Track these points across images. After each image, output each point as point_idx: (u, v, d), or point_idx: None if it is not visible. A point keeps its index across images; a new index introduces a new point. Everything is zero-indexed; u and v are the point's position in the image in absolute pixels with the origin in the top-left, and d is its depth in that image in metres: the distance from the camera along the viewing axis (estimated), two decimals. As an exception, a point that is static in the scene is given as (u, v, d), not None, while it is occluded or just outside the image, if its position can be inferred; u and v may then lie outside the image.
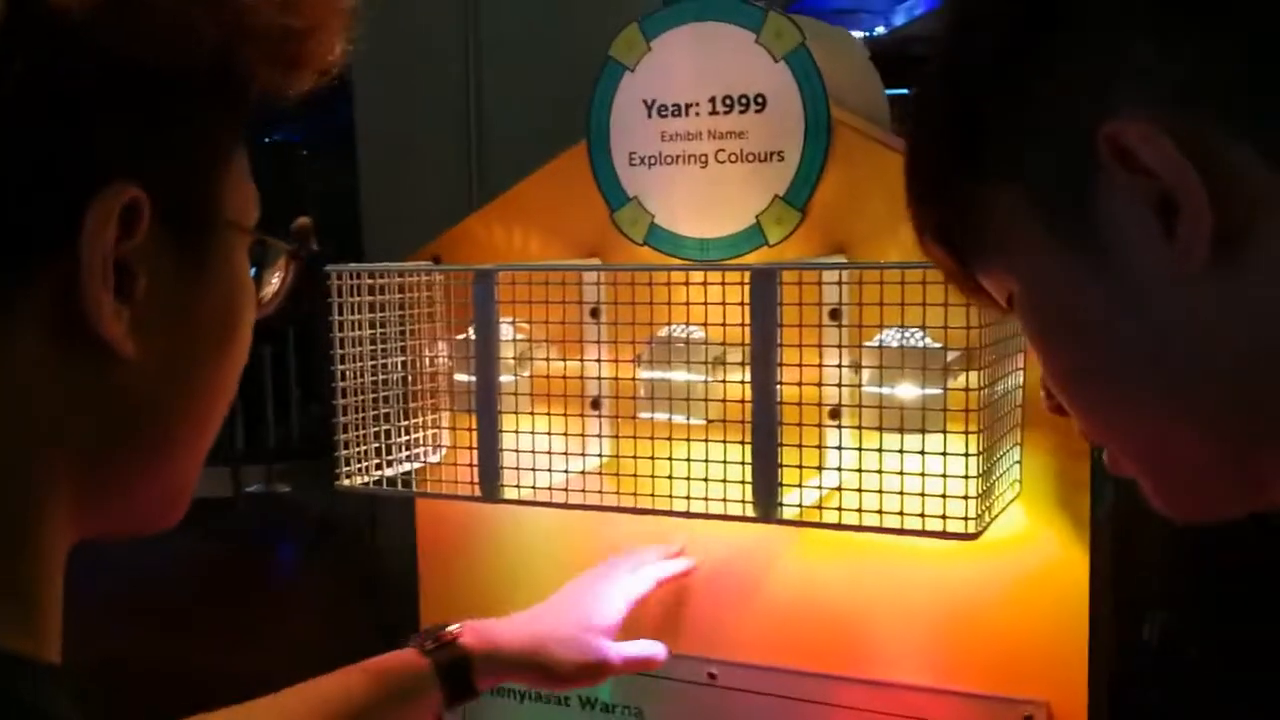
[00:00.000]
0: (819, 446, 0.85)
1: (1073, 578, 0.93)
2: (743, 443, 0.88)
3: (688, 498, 0.89)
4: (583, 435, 0.98)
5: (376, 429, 1.01)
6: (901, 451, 0.83)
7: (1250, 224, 0.43)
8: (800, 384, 0.84)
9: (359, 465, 1.00)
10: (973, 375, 0.82)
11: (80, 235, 0.40)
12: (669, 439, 0.94)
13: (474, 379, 0.96)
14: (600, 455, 1.01)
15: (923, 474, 0.82)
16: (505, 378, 0.98)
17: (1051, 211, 0.48)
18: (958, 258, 0.55)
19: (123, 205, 0.40)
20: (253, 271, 0.49)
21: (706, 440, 0.94)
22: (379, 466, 1.01)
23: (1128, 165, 0.44)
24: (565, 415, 0.97)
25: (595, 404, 1.01)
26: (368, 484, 1.00)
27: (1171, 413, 0.48)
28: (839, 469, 0.87)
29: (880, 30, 4.56)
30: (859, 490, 0.84)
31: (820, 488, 0.88)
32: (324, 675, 0.88)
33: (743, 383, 0.87)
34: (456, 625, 0.94)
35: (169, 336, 0.44)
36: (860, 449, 0.85)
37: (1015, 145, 0.49)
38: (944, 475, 0.80)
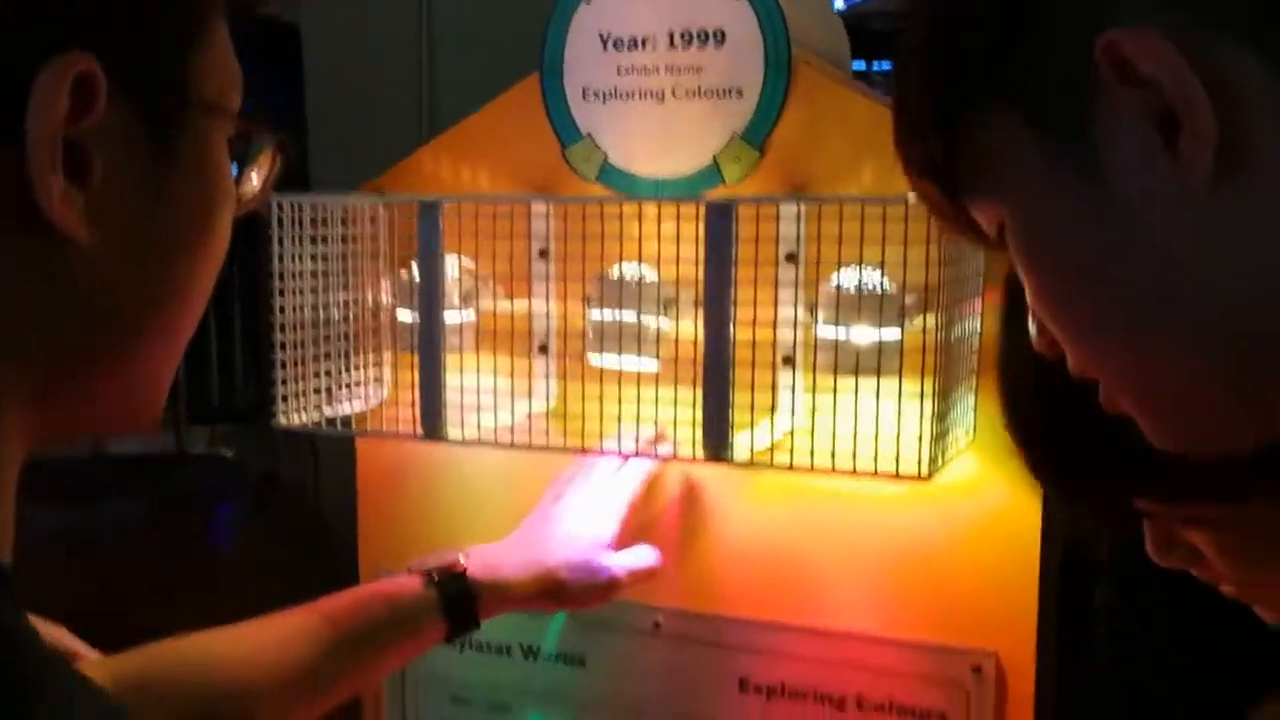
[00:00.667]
0: (772, 387, 0.83)
1: (1024, 527, 0.92)
2: (695, 381, 0.86)
3: (636, 438, 0.87)
4: (530, 378, 0.95)
5: (317, 368, 0.98)
6: (856, 393, 0.81)
7: (1255, 137, 0.41)
8: (754, 322, 0.82)
9: (298, 404, 0.97)
10: (930, 316, 0.80)
11: (26, 110, 0.36)
12: (619, 382, 0.91)
13: (417, 315, 0.93)
14: (548, 398, 0.98)
15: (876, 416, 0.80)
16: (450, 315, 0.94)
17: (1049, 134, 0.46)
18: (947, 190, 0.52)
19: (74, 77, 0.36)
20: (234, 166, 0.45)
21: (657, 384, 0.91)
22: (319, 406, 0.98)
23: (1127, 79, 0.42)
24: (512, 356, 0.94)
25: (543, 348, 0.98)
26: (307, 423, 0.97)
27: (1174, 341, 0.46)
28: (791, 409, 0.85)
29: (839, 5, 4.54)
30: (811, 431, 0.82)
31: (772, 427, 0.85)
32: (335, 594, 0.86)
33: (696, 320, 0.84)
34: (460, 555, 0.90)
35: (134, 227, 0.40)
36: (814, 388, 0.83)
37: (1010, 66, 0.47)
38: (898, 417, 0.79)
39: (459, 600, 0.89)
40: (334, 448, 1.14)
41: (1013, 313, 0.64)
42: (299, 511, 2.30)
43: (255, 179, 0.47)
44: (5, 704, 0.34)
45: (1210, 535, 0.60)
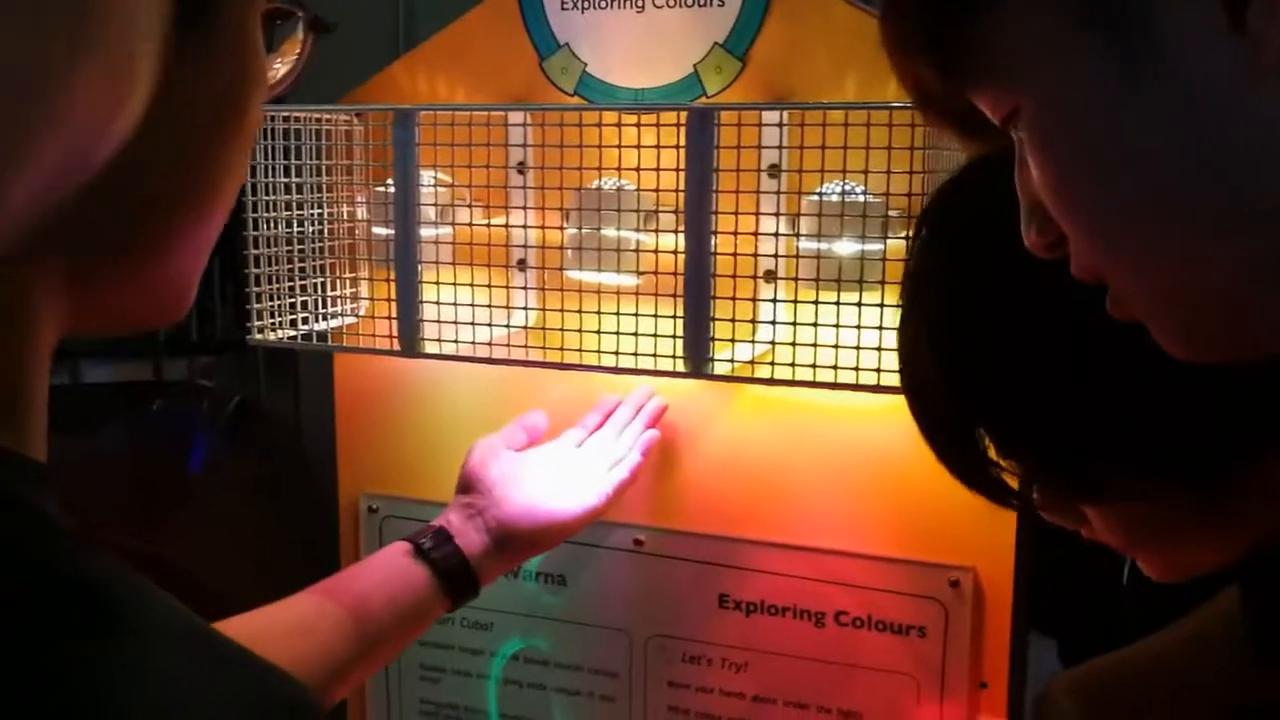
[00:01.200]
0: (753, 299, 0.82)
1: (1004, 443, 0.92)
2: (674, 295, 0.85)
3: (616, 353, 0.86)
4: (508, 293, 0.93)
5: (292, 285, 0.96)
6: (837, 306, 0.80)
7: None
8: (735, 234, 0.81)
9: (273, 321, 0.95)
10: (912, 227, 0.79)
11: None
12: (598, 296, 0.90)
13: (392, 229, 0.91)
14: (526, 316, 0.97)
15: (858, 329, 0.80)
16: (426, 229, 0.93)
17: (1088, 7, 0.43)
18: (949, 73, 0.48)
19: None
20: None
21: (637, 297, 0.90)
22: (294, 323, 0.97)
23: None
24: (490, 271, 0.92)
25: (521, 264, 0.97)
26: (281, 340, 0.96)
27: (1218, 234, 0.43)
28: (773, 322, 0.84)
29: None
30: (793, 344, 0.81)
31: (753, 342, 0.85)
32: (343, 581, 0.86)
33: (676, 232, 0.83)
34: (454, 529, 0.90)
35: (169, 114, 0.37)
36: (795, 301, 0.82)
37: None
38: (879, 328, 0.78)
39: (465, 587, 0.90)
40: (314, 377, 1.13)
41: (911, 310, 0.62)
42: (277, 439, 2.29)
43: (282, 62, 0.45)
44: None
45: (1095, 509, 0.62)
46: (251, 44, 0.40)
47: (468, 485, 0.93)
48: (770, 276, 0.87)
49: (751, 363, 0.86)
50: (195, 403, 2.67)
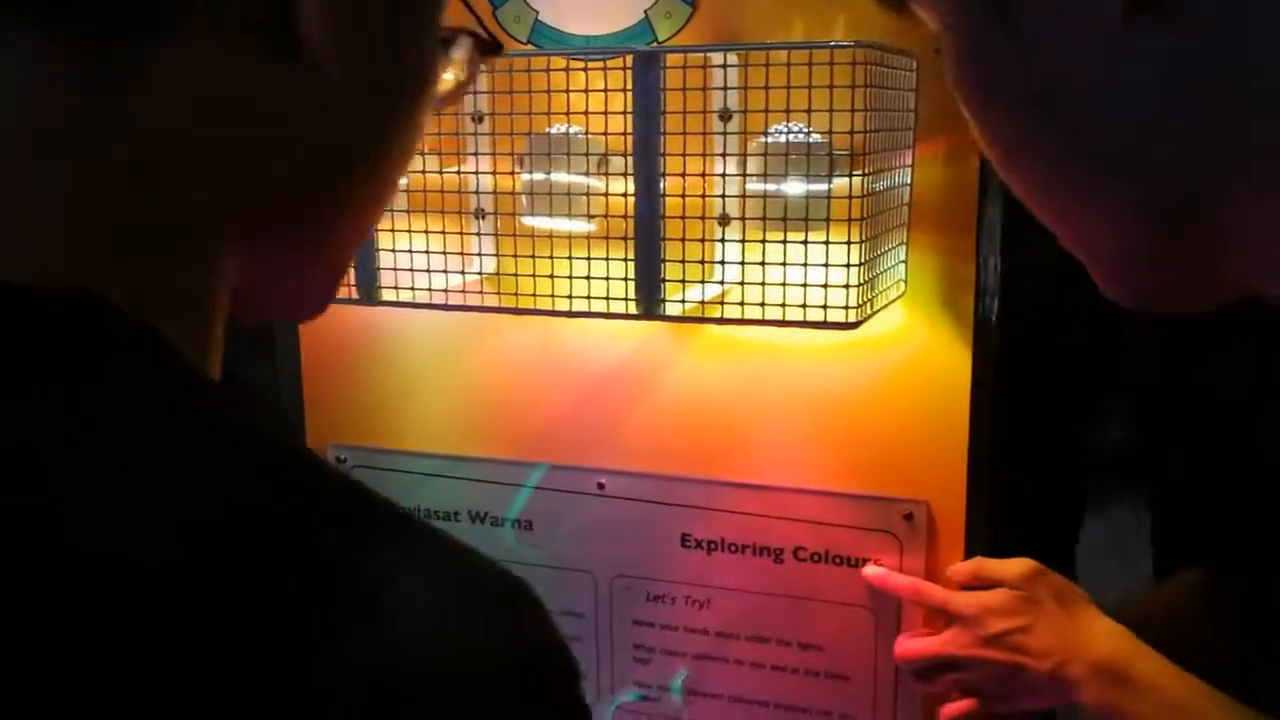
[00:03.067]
0: (701, 239, 0.84)
1: (954, 377, 0.94)
2: (626, 239, 0.86)
3: (570, 296, 0.87)
4: (462, 240, 0.94)
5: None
6: (784, 245, 0.82)
7: None
8: (683, 176, 0.82)
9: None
10: (854, 163, 0.80)
11: None
12: (550, 241, 0.91)
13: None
14: (481, 263, 0.98)
15: (805, 267, 0.81)
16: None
17: None
18: None
19: None
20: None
21: (589, 242, 0.91)
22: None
23: None
24: (444, 214, 0.93)
25: (479, 214, 0.98)
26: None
27: (1101, 189, 0.44)
28: (722, 262, 0.85)
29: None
30: (742, 283, 0.83)
31: (703, 282, 0.86)
32: None
33: (625, 176, 0.84)
34: None
35: (369, 69, 0.38)
36: (743, 240, 0.83)
37: None
38: (825, 265, 0.79)
39: None
40: (288, 344, 1.14)
41: None
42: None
43: (453, 75, 0.46)
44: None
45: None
46: (432, 51, 0.41)
47: None
48: (724, 219, 0.88)
49: (702, 303, 0.87)
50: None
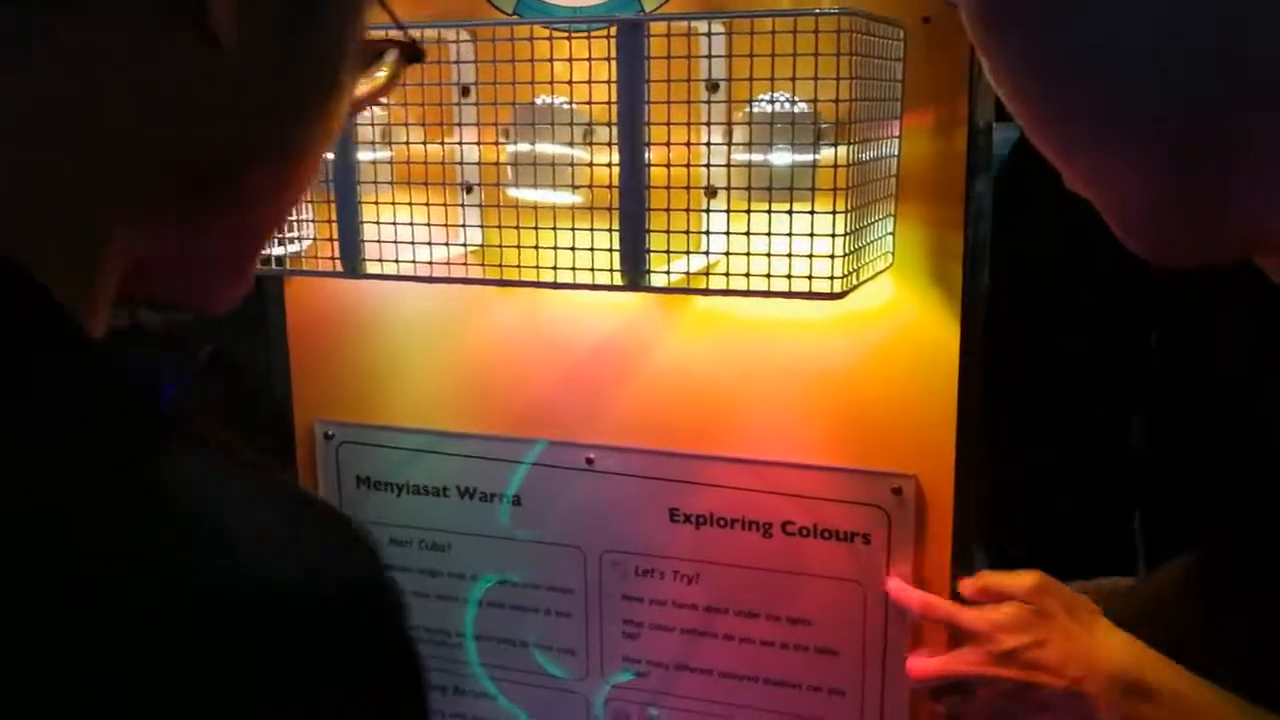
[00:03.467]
0: (686, 209, 0.83)
1: (943, 350, 0.94)
2: (611, 209, 0.85)
3: (555, 268, 0.86)
4: (448, 214, 0.94)
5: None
6: (769, 214, 0.81)
7: None
8: (668, 144, 0.81)
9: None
10: (841, 131, 0.79)
11: None
12: (535, 212, 0.91)
13: (331, 155, 0.91)
14: (466, 240, 0.97)
15: (790, 234, 0.80)
16: (364, 153, 0.93)
17: None
18: None
19: None
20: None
21: (573, 214, 0.91)
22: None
23: None
24: (428, 186, 0.92)
25: (468, 189, 0.97)
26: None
27: (1118, 116, 0.44)
28: (706, 232, 0.85)
29: None
30: (727, 254, 0.82)
31: (688, 253, 0.85)
32: None
33: (610, 145, 0.84)
34: None
35: (278, 44, 0.38)
36: (728, 210, 0.83)
37: None
38: (810, 235, 0.79)
39: None
40: (277, 327, 1.14)
41: None
42: (253, 386, 2.30)
43: (368, 81, 0.45)
44: None
45: None
46: (344, 44, 0.41)
47: None
48: (711, 191, 0.87)
49: (688, 274, 0.87)
50: (167, 352, 2.68)
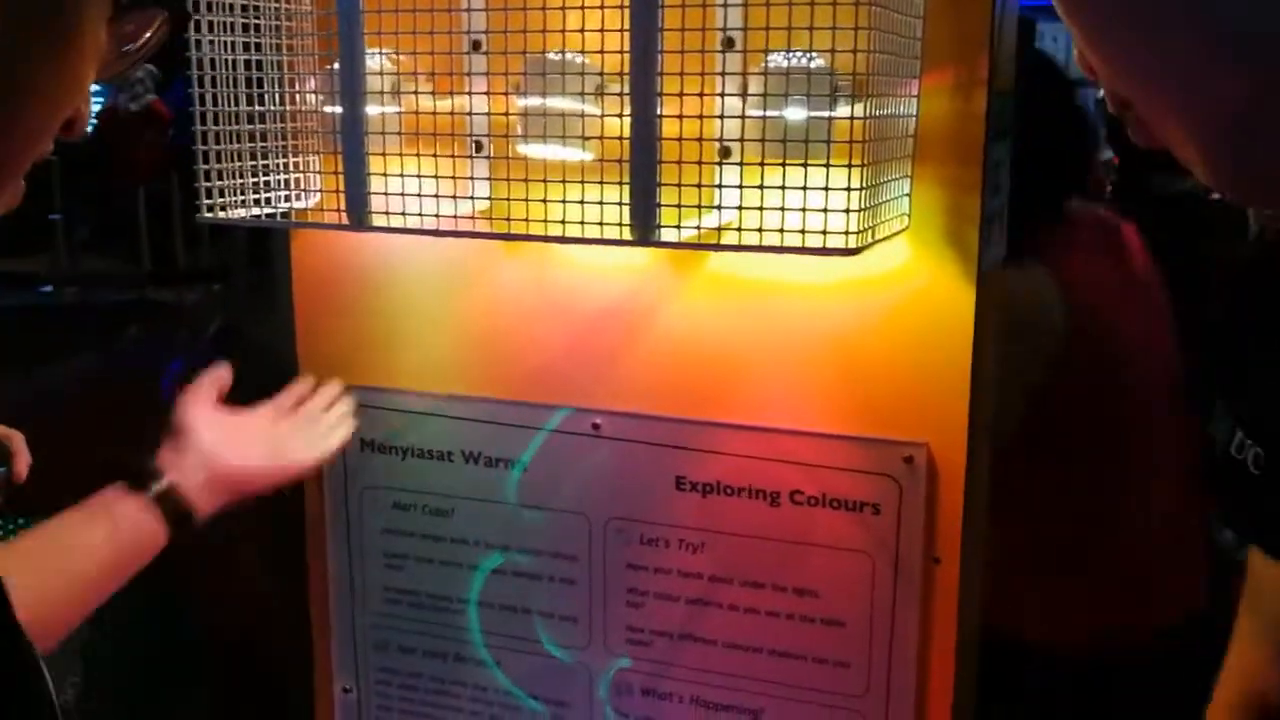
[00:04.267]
0: (699, 163, 0.81)
1: (957, 317, 0.92)
2: (622, 161, 0.83)
3: (563, 222, 0.85)
4: (454, 168, 0.92)
5: (241, 166, 0.95)
6: (783, 164, 0.79)
7: None
8: (680, 95, 0.80)
9: (222, 199, 0.94)
10: (857, 84, 0.78)
11: None
12: (544, 167, 0.89)
13: (340, 109, 0.90)
14: (474, 193, 0.96)
15: (804, 188, 0.79)
16: (373, 106, 0.91)
17: None
18: None
19: None
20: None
21: (583, 169, 0.89)
22: (245, 204, 0.96)
23: None
24: (437, 141, 0.91)
25: (478, 146, 0.96)
26: (231, 218, 0.95)
27: (1200, 36, 0.41)
28: (720, 186, 0.83)
29: None
30: (740, 208, 0.80)
31: (700, 208, 0.84)
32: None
33: (621, 95, 0.82)
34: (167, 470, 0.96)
35: None
36: (741, 163, 0.81)
37: None
38: (825, 190, 0.77)
39: (176, 516, 0.95)
40: (284, 293, 1.13)
41: None
42: (263, 358, 2.30)
43: (132, 45, 0.45)
44: None
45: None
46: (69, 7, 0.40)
47: (175, 432, 0.99)
48: (724, 150, 0.86)
49: (699, 229, 0.85)
50: (174, 327, 2.68)
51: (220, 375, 1.05)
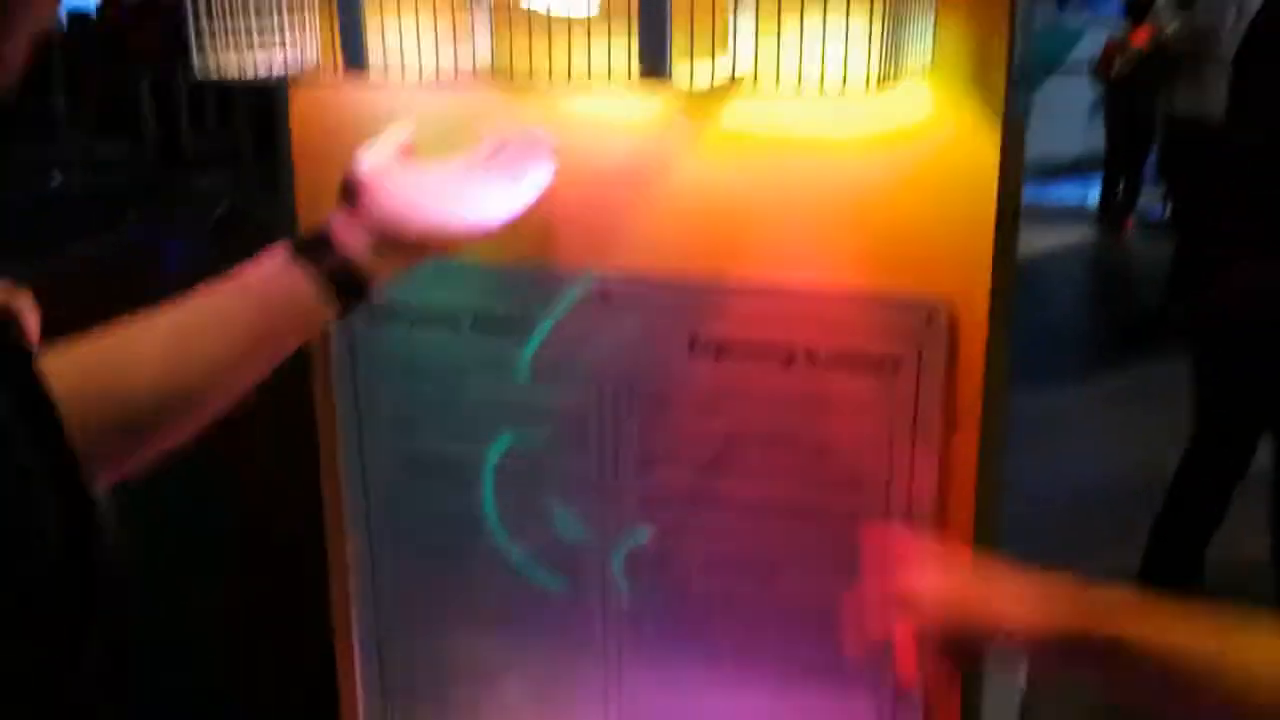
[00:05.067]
0: (713, 8, 0.77)
1: (980, 170, 0.88)
2: (630, 15, 0.79)
3: (569, 70, 0.81)
4: (454, 22, 0.88)
5: (235, 25, 0.91)
6: (801, 6, 0.75)
7: None
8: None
9: (217, 56, 0.90)
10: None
11: None
12: (548, 21, 0.85)
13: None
14: (475, 49, 0.92)
15: (823, 33, 0.75)
16: (370, -51, 0.87)
17: None
18: None
19: None
20: None
21: (589, 25, 0.85)
22: (240, 61, 0.92)
23: None
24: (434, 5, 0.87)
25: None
26: (225, 75, 0.91)
27: None
28: (734, 28, 0.79)
29: None
30: (755, 50, 0.76)
31: (712, 55, 0.80)
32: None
33: (628, -69, 0.77)
34: (339, 227, 0.89)
35: None
36: (758, 21, 0.77)
37: None
38: (845, 18, 0.73)
39: (350, 288, 0.89)
40: (285, 168, 1.09)
41: None
42: (267, 238, 2.28)
43: None
44: None
45: None
46: None
47: (351, 191, 0.91)
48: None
49: (712, 75, 0.81)
50: (182, 209, 2.65)
51: (403, 129, 0.95)
